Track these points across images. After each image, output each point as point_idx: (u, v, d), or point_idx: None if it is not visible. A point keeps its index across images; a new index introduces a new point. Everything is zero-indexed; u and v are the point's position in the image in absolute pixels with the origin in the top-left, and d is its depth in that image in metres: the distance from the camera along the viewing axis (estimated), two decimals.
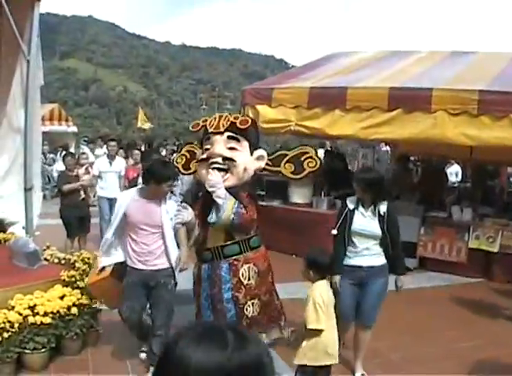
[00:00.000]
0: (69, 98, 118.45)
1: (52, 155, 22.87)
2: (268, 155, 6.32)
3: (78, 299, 6.61)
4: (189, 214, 5.94)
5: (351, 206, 6.30)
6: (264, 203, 12.22)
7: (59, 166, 16.74)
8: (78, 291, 6.74)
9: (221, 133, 6.00)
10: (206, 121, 6.23)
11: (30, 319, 6.06)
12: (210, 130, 6.08)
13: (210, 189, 5.84)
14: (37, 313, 6.12)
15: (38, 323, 6.08)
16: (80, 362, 6.46)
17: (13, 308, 6.10)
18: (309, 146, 6.36)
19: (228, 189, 5.87)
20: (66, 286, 6.83)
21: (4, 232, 8.94)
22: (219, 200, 5.77)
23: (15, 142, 8.87)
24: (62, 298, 6.53)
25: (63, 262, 7.51)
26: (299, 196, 12.65)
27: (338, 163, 13.97)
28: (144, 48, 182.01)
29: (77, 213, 10.92)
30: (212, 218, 5.89)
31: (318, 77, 12.62)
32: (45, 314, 6.17)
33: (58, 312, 6.29)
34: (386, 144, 18.86)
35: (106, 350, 6.79)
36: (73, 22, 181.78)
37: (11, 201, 8.94)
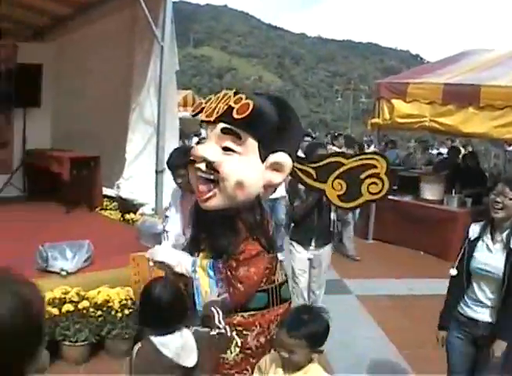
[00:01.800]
0: (203, 85, 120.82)
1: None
2: (315, 162, 4.05)
3: None
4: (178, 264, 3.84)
5: (473, 234, 4.43)
6: (395, 197, 12.13)
7: None
8: None
9: (214, 123, 3.71)
10: (209, 100, 3.86)
11: None
12: (201, 117, 3.82)
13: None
14: None
15: None
16: None
17: None
18: (380, 155, 4.09)
19: (215, 212, 3.72)
20: None
21: (134, 213, 9.19)
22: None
23: (147, 126, 9.12)
24: None
25: None
26: (431, 192, 12.32)
27: (471, 161, 13.65)
28: (279, 38, 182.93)
29: None
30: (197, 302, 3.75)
31: (452, 74, 12.33)
32: None
33: None
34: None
35: None
36: (207, 11, 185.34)
37: (141, 182, 9.18)
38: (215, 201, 3.65)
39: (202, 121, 3.88)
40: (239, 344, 3.76)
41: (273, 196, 6.38)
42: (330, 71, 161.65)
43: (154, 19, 8.48)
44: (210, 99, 3.84)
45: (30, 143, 11.09)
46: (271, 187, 3.79)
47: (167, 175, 8.94)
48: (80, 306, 5.77)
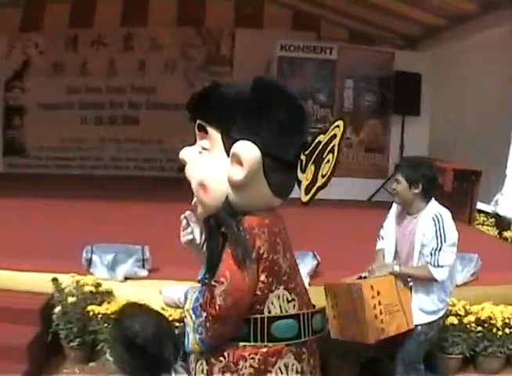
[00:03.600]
0: None
1: None
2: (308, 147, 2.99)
3: None
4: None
5: None
6: None
7: None
8: None
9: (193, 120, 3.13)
10: None
11: None
12: None
13: None
14: None
15: None
16: None
17: None
18: (340, 118, 3.00)
19: (206, 223, 3.16)
20: None
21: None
22: None
23: None
24: None
25: None
26: None
27: None
28: None
29: None
30: None
31: None
32: None
33: None
34: None
35: None
36: None
37: None
38: (198, 209, 3.10)
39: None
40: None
41: None
42: None
43: None
44: None
45: (407, 151, 11.44)
46: (234, 185, 2.86)
47: None
48: (465, 320, 5.76)
